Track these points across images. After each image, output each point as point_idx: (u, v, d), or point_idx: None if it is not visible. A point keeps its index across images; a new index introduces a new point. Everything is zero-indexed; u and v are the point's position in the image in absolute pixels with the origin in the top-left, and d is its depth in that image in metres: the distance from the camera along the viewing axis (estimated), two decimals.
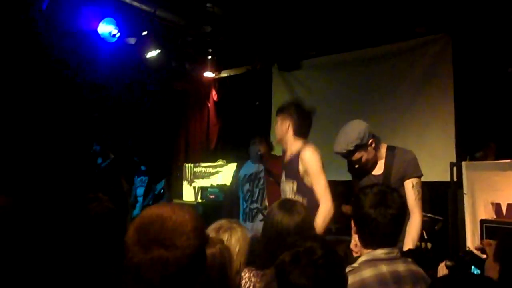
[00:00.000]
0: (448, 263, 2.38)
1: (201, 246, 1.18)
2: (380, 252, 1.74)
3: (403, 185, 2.74)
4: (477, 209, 3.81)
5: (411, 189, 2.72)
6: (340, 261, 1.46)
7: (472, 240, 3.70)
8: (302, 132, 3.10)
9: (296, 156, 3.01)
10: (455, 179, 4.22)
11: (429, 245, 2.70)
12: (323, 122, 5.63)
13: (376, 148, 2.83)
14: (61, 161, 4.31)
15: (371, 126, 5.42)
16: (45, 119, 4.34)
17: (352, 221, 1.85)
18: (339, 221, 4.62)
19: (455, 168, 4.20)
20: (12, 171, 3.74)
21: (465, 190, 3.82)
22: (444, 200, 4.21)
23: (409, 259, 1.83)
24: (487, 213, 3.73)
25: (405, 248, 2.51)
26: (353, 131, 2.78)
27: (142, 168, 5.59)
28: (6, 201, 1.84)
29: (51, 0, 3.97)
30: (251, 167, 4.41)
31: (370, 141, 2.78)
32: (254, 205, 4.30)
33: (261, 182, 4.27)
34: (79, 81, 4.70)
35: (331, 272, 1.37)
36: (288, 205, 2.10)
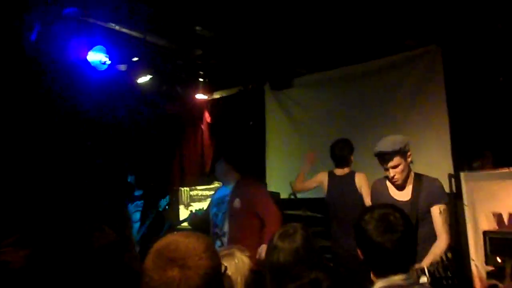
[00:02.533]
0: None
1: (213, 267, 1.21)
2: (397, 278, 1.65)
3: (430, 211, 2.83)
4: (479, 220, 3.79)
5: (438, 215, 2.81)
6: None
7: (475, 252, 3.67)
8: None
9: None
10: (454, 191, 4.20)
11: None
12: (316, 139, 5.63)
13: (409, 166, 2.94)
14: (58, 193, 4.23)
15: (366, 141, 5.45)
16: (38, 150, 4.29)
17: (358, 251, 1.77)
18: None
19: (453, 180, 4.19)
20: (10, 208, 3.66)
21: (465, 201, 3.80)
22: None
23: (427, 285, 1.77)
24: (489, 224, 3.70)
25: (424, 263, 2.45)
26: (397, 137, 2.94)
27: (136, 193, 5.50)
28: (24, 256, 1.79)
29: (40, 30, 3.96)
30: (222, 190, 4.37)
31: (409, 153, 2.91)
32: (215, 230, 4.21)
33: (224, 205, 4.18)
34: (71, 110, 4.66)
35: None
36: (287, 234, 2.03)
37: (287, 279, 1.39)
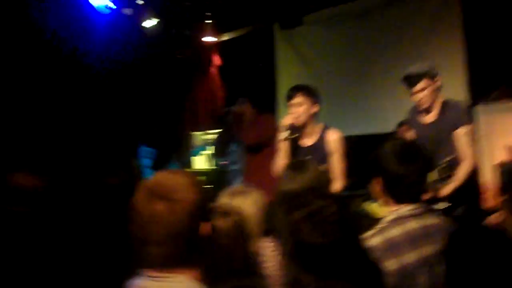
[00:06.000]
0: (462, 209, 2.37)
1: (199, 202, 1.24)
2: (406, 209, 1.71)
3: (453, 135, 2.88)
4: (494, 151, 3.75)
5: (462, 137, 2.87)
6: (353, 217, 1.43)
7: (489, 184, 3.66)
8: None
9: (322, 139, 3.07)
10: None
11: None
12: (329, 78, 5.54)
13: (437, 91, 2.95)
14: (66, 138, 4.29)
15: (380, 77, 5.33)
16: (44, 95, 4.30)
17: (378, 180, 1.79)
18: (355, 176, 4.61)
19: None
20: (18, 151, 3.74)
21: (481, 133, 3.74)
22: None
23: (437, 209, 1.81)
24: (504, 156, 3.67)
25: (446, 190, 2.69)
26: (425, 62, 3.01)
27: (150, 139, 5.49)
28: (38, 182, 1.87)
29: None
30: None
31: (437, 77, 2.91)
32: (235, 166, 4.28)
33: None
34: (76, 56, 4.62)
35: (343, 228, 1.34)
36: (298, 166, 2.05)
37: (294, 206, 1.42)
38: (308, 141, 3.11)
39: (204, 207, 1.28)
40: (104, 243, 1.76)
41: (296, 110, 3.02)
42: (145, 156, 5.30)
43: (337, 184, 2.95)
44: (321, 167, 2.91)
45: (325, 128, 3.09)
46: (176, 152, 5.81)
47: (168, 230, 1.18)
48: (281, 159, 3.11)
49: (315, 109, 3.06)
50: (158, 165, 5.34)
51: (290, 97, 3.07)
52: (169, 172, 1.30)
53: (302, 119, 3.03)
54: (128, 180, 1.97)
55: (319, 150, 3.04)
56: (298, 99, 3.03)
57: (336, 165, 3.01)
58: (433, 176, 2.69)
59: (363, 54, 5.34)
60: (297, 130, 3.08)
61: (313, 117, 3.07)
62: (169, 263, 1.19)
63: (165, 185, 1.22)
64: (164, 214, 1.18)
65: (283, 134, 3.08)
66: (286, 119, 3.05)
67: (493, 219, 1.88)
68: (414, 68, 2.93)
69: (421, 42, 4.89)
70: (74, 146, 4.17)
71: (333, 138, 3.03)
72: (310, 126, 3.08)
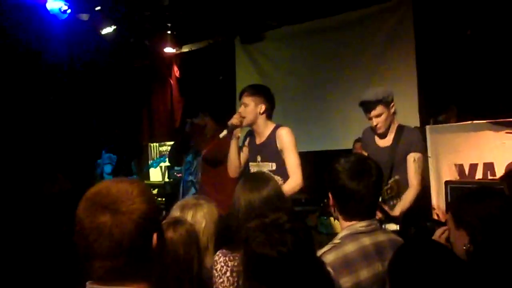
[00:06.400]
0: (413, 230, 2.44)
1: (148, 212, 1.15)
2: (360, 225, 1.71)
3: (406, 159, 2.95)
4: (441, 171, 3.89)
5: (412, 163, 2.94)
6: (308, 231, 1.41)
7: (437, 201, 3.80)
8: (271, 116, 3.13)
9: (273, 137, 3.06)
10: None
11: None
12: (288, 94, 5.61)
13: (393, 116, 3.03)
14: (18, 147, 4.11)
15: (336, 94, 5.46)
16: None
17: (329, 195, 1.78)
18: (308, 192, 4.67)
19: None
20: None
21: (429, 153, 3.88)
22: None
23: (388, 229, 1.83)
24: (451, 174, 3.81)
25: (395, 211, 2.72)
26: (380, 87, 3.08)
27: (112, 145, 5.36)
28: None
29: None
30: None
31: (392, 103, 2.99)
32: (190, 178, 4.24)
33: (200, 154, 4.19)
34: (30, 61, 4.44)
35: (298, 243, 1.32)
36: (254, 179, 2.05)
37: (250, 217, 1.41)
38: (260, 139, 3.13)
39: (154, 217, 1.19)
40: (38, 256, 1.68)
41: (241, 110, 3.06)
42: (106, 162, 5.17)
43: (294, 178, 2.93)
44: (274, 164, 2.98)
45: (277, 126, 3.10)
46: (136, 161, 5.70)
47: (112, 243, 1.09)
48: (232, 159, 3.14)
49: (262, 108, 3.04)
50: (118, 173, 5.22)
51: (239, 97, 3.14)
52: (113, 180, 1.20)
53: (248, 119, 3.04)
54: (70, 188, 1.90)
55: (270, 147, 3.05)
56: (244, 99, 3.06)
57: (290, 159, 2.99)
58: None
59: (320, 71, 5.47)
60: (234, 129, 3.06)
61: (263, 115, 3.06)
62: (115, 277, 1.11)
63: (108, 195, 1.13)
64: (107, 226, 1.09)
65: (223, 133, 3.06)
66: (232, 119, 3.04)
67: (439, 235, 1.93)
68: (370, 94, 2.98)
69: (376, 62, 5.07)
70: (19, 152, 3.98)
71: (283, 133, 3.02)
72: (261, 124, 3.08)
